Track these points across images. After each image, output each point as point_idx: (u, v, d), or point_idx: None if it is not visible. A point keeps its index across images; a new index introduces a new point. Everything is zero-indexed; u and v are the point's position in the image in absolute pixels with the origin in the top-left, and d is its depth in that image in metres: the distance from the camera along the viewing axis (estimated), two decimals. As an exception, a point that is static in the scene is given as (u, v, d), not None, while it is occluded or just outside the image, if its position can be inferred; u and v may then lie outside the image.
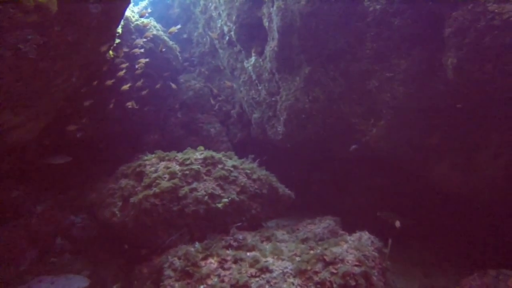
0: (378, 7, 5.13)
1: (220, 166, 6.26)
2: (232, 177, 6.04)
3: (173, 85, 8.80)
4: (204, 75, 10.06)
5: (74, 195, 7.36)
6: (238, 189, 6.01)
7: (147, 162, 6.62)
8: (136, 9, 9.17)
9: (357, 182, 7.78)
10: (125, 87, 7.20)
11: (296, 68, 6.55)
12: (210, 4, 8.82)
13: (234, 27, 7.83)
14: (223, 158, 6.49)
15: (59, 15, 4.52)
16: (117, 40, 7.16)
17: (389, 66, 5.43)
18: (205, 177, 6.05)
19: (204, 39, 10.09)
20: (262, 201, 6.29)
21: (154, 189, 5.74)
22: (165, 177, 5.92)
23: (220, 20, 8.51)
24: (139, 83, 7.83)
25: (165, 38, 8.98)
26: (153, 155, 6.84)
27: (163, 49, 7.95)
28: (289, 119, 6.92)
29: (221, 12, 8.33)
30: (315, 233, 5.80)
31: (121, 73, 6.89)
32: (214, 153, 6.57)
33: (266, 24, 7.00)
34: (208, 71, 10.05)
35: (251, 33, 7.70)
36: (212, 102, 9.60)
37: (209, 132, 9.20)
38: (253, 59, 7.76)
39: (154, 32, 8.71)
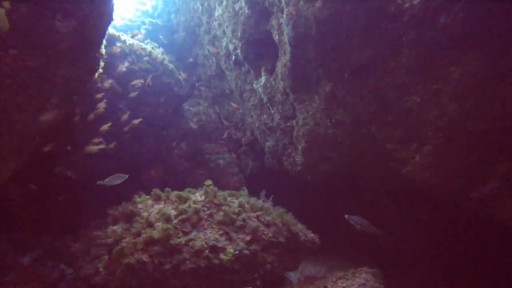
0: (416, 2, 4.01)
1: (224, 208, 5.09)
2: (239, 222, 4.85)
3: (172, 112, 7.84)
4: (211, 100, 9.10)
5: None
6: (248, 238, 4.79)
7: (140, 205, 5.54)
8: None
9: (394, 220, 6.41)
10: (105, 126, 6.23)
11: (314, 86, 5.44)
12: (214, 22, 7.96)
13: (240, 44, 6.88)
14: (228, 198, 5.33)
15: (13, 35, 3.63)
16: (102, 64, 6.29)
17: (434, 76, 4.23)
18: (206, 224, 4.88)
19: (210, 61, 9.22)
20: (280, 251, 5.03)
21: (141, 240, 4.61)
22: (157, 225, 4.79)
23: (225, 39, 7.60)
24: (123, 117, 6.82)
25: (165, 62, 8.13)
26: (148, 196, 5.77)
27: (150, 83, 7.00)
28: (309, 147, 5.74)
29: (225, 29, 7.43)
30: (349, 295, 4.46)
31: (101, 106, 5.92)
32: (217, 191, 5.42)
33: (276, 37, 5.99)
34: (215, 95, 9.09)
35: (259, 50, 6.71)
36: (221, 129, 8.57)
37: (218, 164, 8.10)
38: (263, 79, 6.73)
39: (153, 55, 7.87)
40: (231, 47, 7.38)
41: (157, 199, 5.54)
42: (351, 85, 5.02)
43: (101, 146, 5.71)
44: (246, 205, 5.27)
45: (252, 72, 7.15)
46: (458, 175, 4.58)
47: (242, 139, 8.38)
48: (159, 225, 4.73)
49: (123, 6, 11.33)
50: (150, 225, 4.81)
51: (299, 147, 5.91)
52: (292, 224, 5.29)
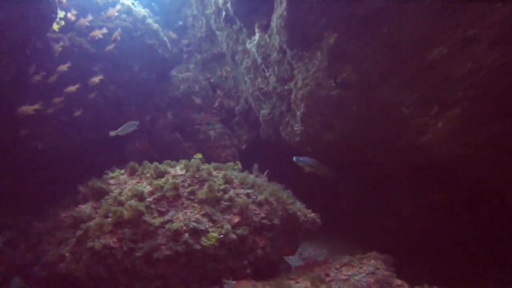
0: None
1: (209, 183, 4.32)
2: (226, 201, 4.09)
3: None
4: (201, 65, 8.18)
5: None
6: (236, 220, 4.05)
7: (112, 181, 4.78)
8: None
9: (407, 200, 5.66)
10: (72, 88, 5.36)
11: (315, 39, 4.54)
12: (202, -27, 6.94)
13: (230, -3, 5.91)
14: (214, 172, 4.56)
15: None
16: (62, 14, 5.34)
17: (468, 20, 3.33)
18: (186, 202, 4.13)
19: (200, 21, 8.22)
20: (273, 235, 4.30)
21: (109, 221, 3.88)
22: (129, 205, 4.04)
23: (214, -9, 6.62)
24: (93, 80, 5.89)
25: (148, 21, 7.15)
26: (123, 170, 5.00)
27: (118, 37, 6.02)
28: (309, 112, 4.90)
29: (214, -20, 6.44)
30: (355, 286, 3.76)
31: (63, 67, 5.04)
32: (199, 164, 4.64)
33: (271, -16, 5.04)
34: (206, 60, 8.17)
35: (253, 3, 5.75)
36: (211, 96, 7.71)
37: (208, 135, 7.30)
38: (257, 36, 5.80)
39: (132, 11, 6.89)
40: (220, 1, 6.40)
41: (132, 174, 4.78)
42: (361, 36, 4.11)
43: (36, 107, 4.86)
44: (235, 181, 4.50)
45: (244, 29, 6.21)
46: (491, 145, 3.76)
47: (236, 108, 7.54)
48: (131, 204, 3.97)
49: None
50: (120, 204, 4.06)
51: (298, 113, 5.07)
52: (289, 202, 4.54)
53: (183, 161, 4.90)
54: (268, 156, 7.19)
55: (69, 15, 5.72)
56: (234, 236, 3.81)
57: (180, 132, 7.36)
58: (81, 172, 5.98)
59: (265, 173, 5.13)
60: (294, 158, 4.62)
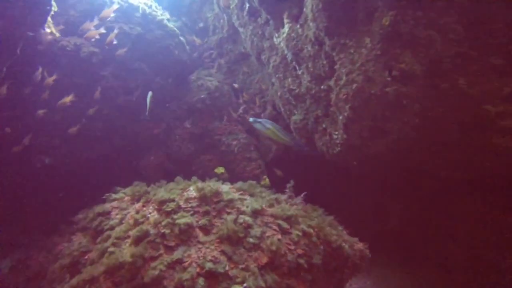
0: None
1: (230, 211, 3.37)
2: (252, 238, 3.11)
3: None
4: (223, 68, 7.34)
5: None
6: (264, 260, 3.06)
7: (114, 204, 3.94)
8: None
9: (479, 222, 4.46)
10: (66, 99, 4.65)
11: (363, 21, 3.53)
12: (222, -37, 6.12)
13: (254, -17, 5.04)
14: (236, 196, 3.60)
15: None
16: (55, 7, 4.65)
17: None
18: (201, 237, 3.20)
19: (221, 20, 7.42)
20: (313, 276, 3.27)
21: (103, 265, 3.00)
22: (127, 242, 3.17)
23: (235, -18, 5.78)
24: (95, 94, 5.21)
25: (164, 21, 6.42)
26: (124, 192, 4.17)
27: (114, 41, 5.26)
28: (355, 116, 3.86)
29: (235, -32, 5.60)
30: None
31: (50, 80, 4.38)
32: (219, 186, 3.70)
33: (303, -39, 4.12)
34: (228, 62, 7.32)
35: (280, -12, 4.85)
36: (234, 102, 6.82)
37: (231, 147, 6.39)
38: (286, 28, 4.87)
39: (146, 11, 6.19)
40: (243, -9, 5.55)
41: (136, 198, 3.93)
42: (427, 11, 3.07)
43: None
44: (265, 209, 3.52)
45: (271, 22, 5.30)
46: None
47: (262, 115, 6.60)
48: (129, 242, 3.09)
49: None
50: (116, 240, 3.19)
51: (340, 117, 4.04)
52: (334, 235, 3.49)
53: (198, 184, 3.95)
54: (301, 170, 6.18)
55: (72, 12, 5.07)
56: (262, 284, 2.82)
57: (200, 143, 6.51)
58: (93, 188, 5.30)
59: (301, 195, 4.12)
60: (251, 119, 4.04)
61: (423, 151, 3.83)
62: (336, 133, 4.46)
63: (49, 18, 4.52)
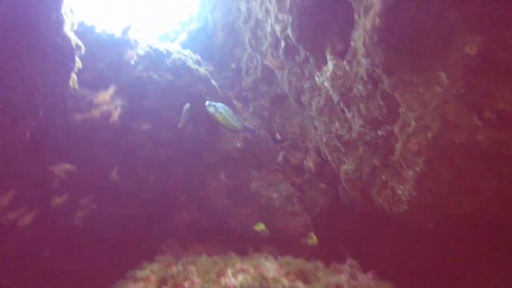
0: None
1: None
2: None
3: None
4: (258, 111, 6.77)
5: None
6: None
7: (140, 285, 3.28)
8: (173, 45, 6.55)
9: None
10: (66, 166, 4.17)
11: (433, 51, 2.78)
12: (254, 2, 5.71)
13: (290, 19, 4.50)
14: (286, 284, 2.79)
15: None
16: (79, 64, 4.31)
17: None
18: None
19: (254, 61, 6.96)
20: None
21: None
22: None
23: (269, 20, 5.30)
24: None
25: (192, 65, 6.05)
26: (150, 269, 3.50)
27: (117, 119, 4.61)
28: (431, 171, 3.00)
29: (268, 5, 5.14)
30: None
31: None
32: (263, 267, 2.92)
33: (347, -10, 3.52)
34: (264, 104, 6.75)
35: (320, 22, 4.27)
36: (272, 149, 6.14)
37: (271, 200, 5.63)
38: (330, 65, 4.23)
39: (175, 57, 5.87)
40: (278, 29, 5.04)
41: (163, 281, 3.24)
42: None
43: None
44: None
45: (311, 59, 4.70)
46: None
47: (304, 162, 5.84)
48: None
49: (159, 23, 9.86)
50: None
51: (410, 172, 3.19)
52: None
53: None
54: (354, 226, 5.25)
55: (100, 65, 4.78)
56: None
57: (236, 195, 5.83)
58: (120, 250, 4.72)
59: (367, 274, 3.22)
60: (206, 102, 3.74)
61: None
62: (401, 187, 3.59)
63: (73, 75, 4.21)
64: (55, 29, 3.11)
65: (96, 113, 4.35)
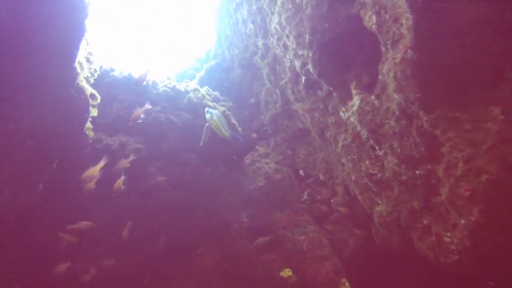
0: None
1: None
2: None
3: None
4: (280, 147, 6.50)
5: None
6: None
7: None
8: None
9: None
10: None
11: (482, 85, 2.47)
12: (271, 38, 5.60)
13: (310, 54, 4.31)
14: None
15: None
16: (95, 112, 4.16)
17: None
18: None
19: (274, 95, 6.79)
20: None
21: None
22: None
23: (287, 56, 5.14)
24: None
25: (211, 103, 5.92)
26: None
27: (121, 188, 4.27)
28: (489, 222, 2.59)
29: (286, 40, 5.00)
30: None
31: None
32: None
33: (371, 21, 3.30)
34: (285, 140, 6.49)
35: (342, 55, 4.06)
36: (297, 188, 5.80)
37: (298, 243, 5.22)
38: (356, 100, 3.95)
39: (191, 96, 5.75)
40: (297, 64, 4.85)
41: None
42: None
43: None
44: None
45: (335, 94, 4.45)
46: None
47: (332, 201, 5.45)
48: None
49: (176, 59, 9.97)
50: None
51: (462, 221, 2.78)
52: None
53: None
54: (390, 271, 4.75)
55: (116, 105, 4.68)
56: None
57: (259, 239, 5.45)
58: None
59: None
60: (206, 109, 4.07)
61: None
62: (449, 234, 3.16)
63: (88, 123, 4.09)
64: (69, 82, 3.01)
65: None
